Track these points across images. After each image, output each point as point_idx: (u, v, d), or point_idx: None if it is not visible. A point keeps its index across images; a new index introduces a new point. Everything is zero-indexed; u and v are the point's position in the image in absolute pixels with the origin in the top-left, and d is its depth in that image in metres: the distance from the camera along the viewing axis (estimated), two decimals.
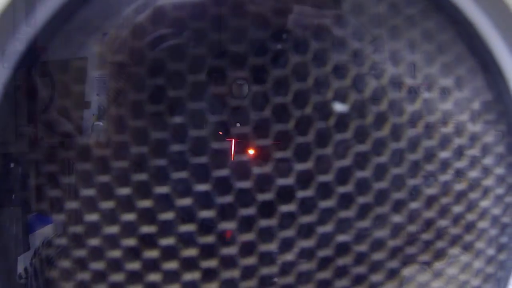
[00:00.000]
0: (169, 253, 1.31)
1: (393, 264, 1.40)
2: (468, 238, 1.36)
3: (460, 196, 1.39)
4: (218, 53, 1.52)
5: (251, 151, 1.73)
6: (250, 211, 1.33)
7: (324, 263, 1.41)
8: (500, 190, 1.33)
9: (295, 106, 1.35)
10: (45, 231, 1.56)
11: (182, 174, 1.34)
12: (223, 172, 1.36)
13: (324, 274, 1.38)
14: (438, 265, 1.46)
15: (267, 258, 1.42)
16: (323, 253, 1.38)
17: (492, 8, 1.13)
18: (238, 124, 1.60)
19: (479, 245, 1.35)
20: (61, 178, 1.49)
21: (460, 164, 1.41)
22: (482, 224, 1.33)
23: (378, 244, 1.43)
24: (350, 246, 1.39)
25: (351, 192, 1.32)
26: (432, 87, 1.48)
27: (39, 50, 1.26)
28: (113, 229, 1.27)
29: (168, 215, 1.31)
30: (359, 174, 1.32)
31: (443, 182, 1.38)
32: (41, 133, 1.46)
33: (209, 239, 1.34)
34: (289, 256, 1.42)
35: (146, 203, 1.29)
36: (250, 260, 1.36)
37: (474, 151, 1.36)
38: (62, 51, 1.46)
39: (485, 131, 1.37)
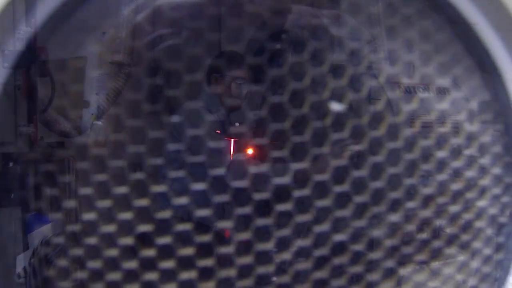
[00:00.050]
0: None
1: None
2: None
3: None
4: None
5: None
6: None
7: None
8: None
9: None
10: (44, 230, 1.56)
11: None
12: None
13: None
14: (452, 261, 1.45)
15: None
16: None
17: (489, 8, 1.12)
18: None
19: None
20: (60, 178, 1.49)
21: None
22: None
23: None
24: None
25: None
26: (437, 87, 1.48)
27: (38, 50, 1.26)
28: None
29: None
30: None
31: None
32: (41, 133, 1.46)
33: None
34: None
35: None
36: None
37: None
38: (61, 51, 1.46)
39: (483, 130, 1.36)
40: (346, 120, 1.40)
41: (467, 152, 1.38)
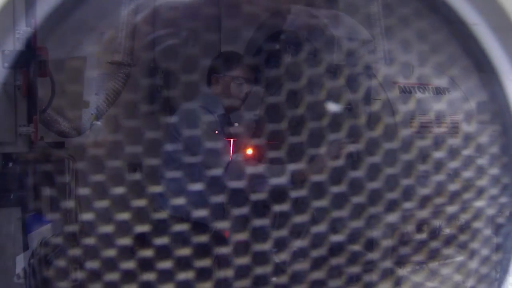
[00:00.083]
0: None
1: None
2: None
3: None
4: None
5: None
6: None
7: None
8: None
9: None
10: (43, 231, 1.56)
11: None
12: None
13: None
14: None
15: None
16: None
17: (487, 9, 1.12)
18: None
19: None
20: (60, 178, 1.49)
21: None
22: None
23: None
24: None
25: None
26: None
27: (38, 50, 1.26)
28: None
29: None
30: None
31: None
32: (41, 133, 1.46)
33: None
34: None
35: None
36: None
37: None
38: (61, 51, 1.46)
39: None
40: (355, 119, 1.40)
41: (465, 152, 1.38)
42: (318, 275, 1.38)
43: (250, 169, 1.57)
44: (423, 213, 1.42)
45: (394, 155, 1.38)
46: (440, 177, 1.39)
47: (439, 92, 1.55)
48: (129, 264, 1.25)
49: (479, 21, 1.10)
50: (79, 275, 1.54)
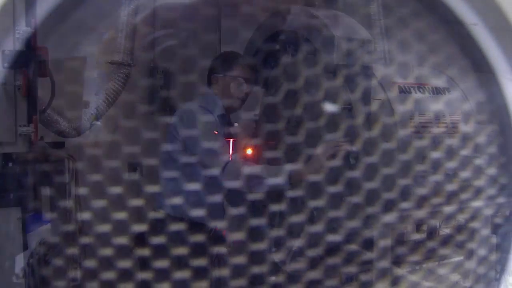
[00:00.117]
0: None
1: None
2: None
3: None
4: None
5: None
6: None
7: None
8: None
9: None
10: (42, 230, 1.56)
11: None
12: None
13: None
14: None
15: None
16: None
17: (485, 9, 1.13)
18: None
19: None
20: (60, 178, 1.49)
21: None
22: None
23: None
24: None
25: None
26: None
27: (38, 50, 1.26)
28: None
29: None
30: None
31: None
32: (41, 133, 1.46)
33: None
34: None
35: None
36: None
37: None
38: (61, 51, 1.47)
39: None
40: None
41: (464, 152, 1.38)
42: (316, 274, 1.38)
43: (250, 169, 1.57)
44: (422, 213, 1.42)
45: (393, 155, 1.38)
46: (438, 177, 1.39)
47: (438, 92, 1.55)
48: (128, 264, 1.25)
49: (477, 21, 1.10)
50: (78, 274, 1.54)
